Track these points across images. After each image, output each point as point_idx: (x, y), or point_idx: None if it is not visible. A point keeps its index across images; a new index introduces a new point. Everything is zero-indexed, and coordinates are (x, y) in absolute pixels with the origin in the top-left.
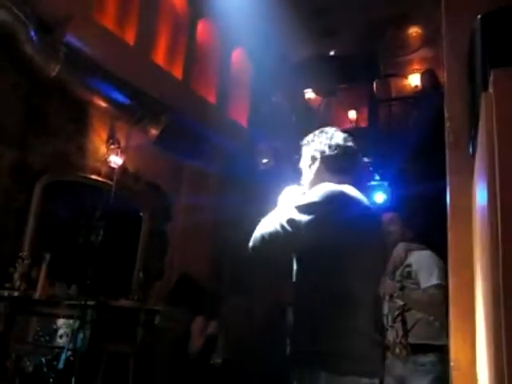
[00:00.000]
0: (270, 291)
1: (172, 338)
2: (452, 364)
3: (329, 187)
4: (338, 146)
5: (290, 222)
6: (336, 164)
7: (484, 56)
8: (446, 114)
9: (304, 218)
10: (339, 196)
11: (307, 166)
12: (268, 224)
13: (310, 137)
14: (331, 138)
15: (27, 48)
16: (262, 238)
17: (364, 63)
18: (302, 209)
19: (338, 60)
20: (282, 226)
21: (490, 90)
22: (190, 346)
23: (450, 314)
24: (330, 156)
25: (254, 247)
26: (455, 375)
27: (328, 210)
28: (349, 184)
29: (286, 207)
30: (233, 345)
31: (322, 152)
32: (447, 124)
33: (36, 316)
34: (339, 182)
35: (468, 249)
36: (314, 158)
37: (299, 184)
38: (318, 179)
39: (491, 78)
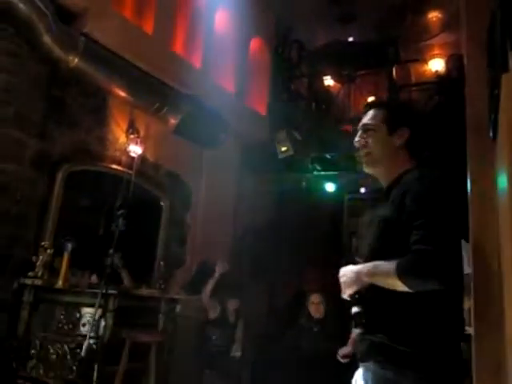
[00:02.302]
0: (292, 279)
1: (193, 327)
2: (475, 352)
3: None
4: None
5: None
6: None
7: (504, 37)
8: (467, 99)
9: None
10: None
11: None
12: None
13: (395, 100)
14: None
15: (47, 39)
16: None
17: (383, 49)
18: None
19: (356, 46)
20: None
21: (511, 71)
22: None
23: (474, 302)
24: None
25: None
26: (478, 363)
27: None
28: None
29: None
30: (254, 332)
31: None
32: (468, 108)
33: (59, 305)
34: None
35: (491, 234)
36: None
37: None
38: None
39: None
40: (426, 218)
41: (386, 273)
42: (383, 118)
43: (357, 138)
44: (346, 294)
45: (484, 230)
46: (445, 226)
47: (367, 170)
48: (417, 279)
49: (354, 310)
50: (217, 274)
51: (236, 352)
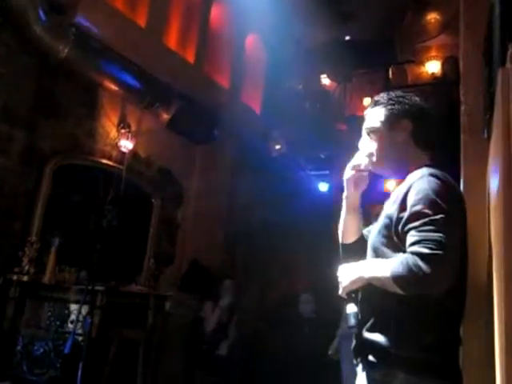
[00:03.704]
0: (283, 278)
1: (182, 324)
2: (464, 355)
3: None
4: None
5: None
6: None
7: (502, 30)
8: (462, 98)
9: None
10: None
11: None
12: None
13: (391, 94)
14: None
15: (37, 29)
16: None
17: (380, 49)
18: None
19: (354, 45)
20: None
21: (508, 65)
22: (204, 326)
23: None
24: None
25: None
26: (467, 367)
27: None
28: None
29: None
30: (244, 331)
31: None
32: (462, 107)
33: (47, 301)
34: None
35: (483, 235)
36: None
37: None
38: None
39: (509, 52)
40: (428, 218)
41: (382, 275)
42: (383, 117)
43: (361, 142)
44: (343, 292)
45: (475, 231)
46: (449, 228)
47: (375, 171)
48: (412, 285)
49: (350, 308)
50: (220, 305)
51: (221, 351)
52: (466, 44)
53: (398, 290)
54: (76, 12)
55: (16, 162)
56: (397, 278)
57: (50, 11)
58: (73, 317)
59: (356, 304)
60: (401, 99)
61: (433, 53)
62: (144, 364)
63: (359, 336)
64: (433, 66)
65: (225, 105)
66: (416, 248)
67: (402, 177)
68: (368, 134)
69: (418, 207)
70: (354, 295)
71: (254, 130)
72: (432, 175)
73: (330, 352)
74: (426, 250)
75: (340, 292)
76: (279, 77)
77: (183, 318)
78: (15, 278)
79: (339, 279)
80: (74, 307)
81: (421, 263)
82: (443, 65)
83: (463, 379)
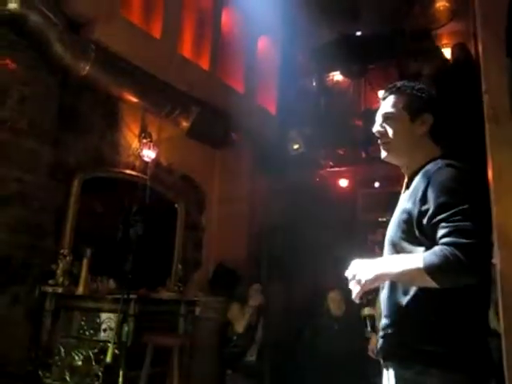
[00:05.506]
0: (310, 276)
1: (212, 328)
2: (506, 347)
3: None
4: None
5: None
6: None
7: None
8: (484, 88)
9: None
10: None
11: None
12: None
13: (413, 84)
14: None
15: (58, 48)
16: None
17: (392, 41)
18: None
19: (365, 39)
20: None
21: None
22: (234, 329)
23: (501, 295)
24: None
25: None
26: (509, 358)
27: None
28: None
29: None
30: (272, 332)
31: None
32: (485, 97)
33: (80, 311)
34: None
35: None
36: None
37: None
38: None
39: None
40: (456, 209)
41: (411, 269)
42: (404, 105)
43: (376, 127)
44: (358, 294)
45: (509, 219)
46: (476, 216)
47: (387, 159)
48: (450, 275)
49: (367, 311)
50: (251, 305)
51: (251, 356)
52: (483, 34)
53: (431, 283)
54: (94, 28)
55: (44, 177)
56: (432, 270)
57: (70, 30)
58: (105, 326)
59: (372, 306)
60: (423, 91)
61: (444, 40)
62: (179, 369)
63: (386, 336)
64: (445, 54)
65: (241, 108)
66: (450, 239)
67: (408, 168)
68: (385, 120)
69: (443, 199)
70: (370, 297)
71: (271, 131)
72: (450, 165)
73: (371, 353)
74: (461, 240)
75: (356, 291)
76: (292, 76)
77: (213, 322)
78: (50, 290)
79: (355, 278)
80: (105, 316)
81: (458, 253)
82: (452, 53)
83: (506, 375)
